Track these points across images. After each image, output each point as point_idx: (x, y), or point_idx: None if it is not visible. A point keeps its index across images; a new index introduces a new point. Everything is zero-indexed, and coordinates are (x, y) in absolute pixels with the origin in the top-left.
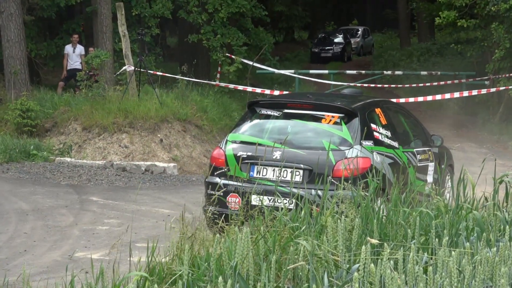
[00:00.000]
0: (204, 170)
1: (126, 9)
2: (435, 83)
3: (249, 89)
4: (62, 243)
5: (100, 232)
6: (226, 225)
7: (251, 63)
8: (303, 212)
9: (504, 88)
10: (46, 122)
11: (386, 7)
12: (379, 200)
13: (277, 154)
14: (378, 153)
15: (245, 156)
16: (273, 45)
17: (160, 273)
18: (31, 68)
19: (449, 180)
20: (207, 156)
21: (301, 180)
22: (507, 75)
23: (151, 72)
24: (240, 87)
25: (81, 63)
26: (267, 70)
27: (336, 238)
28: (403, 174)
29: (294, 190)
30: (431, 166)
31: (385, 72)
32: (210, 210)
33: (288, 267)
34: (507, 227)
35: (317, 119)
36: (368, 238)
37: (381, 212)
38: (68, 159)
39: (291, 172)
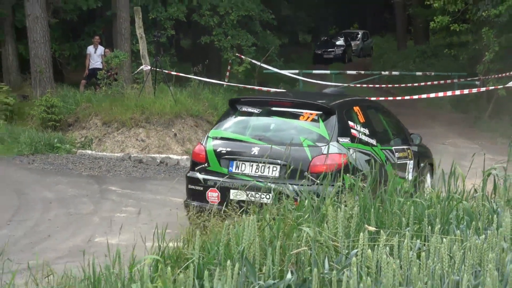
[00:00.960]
0: None
1: (143, 13)
2: (429, 83)
3: (256, 87)
4: (83, 229)
5: (118, 219)
6: (206, 220)
7: (258, 63)
8: (306, 202)
9: (493, 88)
10: (69, 117)
11: (384, 12)
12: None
13: (255, 150)
14: (355, 150)
15: (225, 152)
16: (279, 47)
17: (172, 257)
18: (55, 67)
19: (429, 178)
20: None
21: (278, 175)
22: (496, 76)
23: (166, 71)
24: (249, 86)
25: (101, 62)
26: (273, 70)
27: (336, 226)
28: (380, 171)
29: (272, 185)
30: (410, 163)
31: (383, 72)
32: (191, 204)
33: (291, 252)
34: (495, 216)
35: (296, 116)
36: (366, 225)
37: (377, 202)
38: (89, 152)
39: (269, 167)
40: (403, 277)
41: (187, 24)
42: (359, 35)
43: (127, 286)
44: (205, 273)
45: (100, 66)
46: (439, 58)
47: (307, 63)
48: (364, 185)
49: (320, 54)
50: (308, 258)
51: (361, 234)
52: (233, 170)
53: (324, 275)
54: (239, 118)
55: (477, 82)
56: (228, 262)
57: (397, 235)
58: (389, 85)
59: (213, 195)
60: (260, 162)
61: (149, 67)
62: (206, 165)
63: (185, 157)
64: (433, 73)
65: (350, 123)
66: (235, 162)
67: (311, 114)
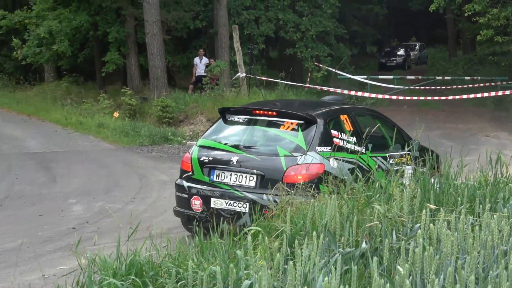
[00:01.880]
0: None
1: (239, 30)
2: (476, 85)
3: (332, 89)
4: None
5: None
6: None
7: (333, 70)
8: (377, 184)
9: None
10: (180, 115)
11: (437, 27)
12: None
13: (234, 160)
14: (336, 159)
15: (207, 160)
16: (350, 56)
17: (266, 228)
18: (169, 75)
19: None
20: None
21: (254, 185)
22: None
23: (258, 77)
24: (325, 88)
25: (205, 71)
26: (346, 75)
27: (401, 204)
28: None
29: (248, 194)
30: (408, 169)
31: (437, 77)
32: (179, 211)
33: (365, 226)
34: None
35: (277, 125)
36: (428, 204)
37: (435, 185)
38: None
39: (246, 177)
40: (460, 247)
41: (275, 39)
42: (417, 46)
43: (231, 251)
44: (296, 242)
45: (204, 74)
46: (484, 65)
47: (373, 70)
48: (425, 170)
49: (384, 62)
50: (379, 230)
51: (423, 211)
52: (214, 179)
53: (393, 245)
54: (226, 127)
55: None
56: (314, 233)
57: (453, 212)
58: (442, 87)
59: (196, 203)
60: (238, 172)
61: (244, 74)
62: (191, 173)
63: None
64: (479, 78)
65: (334, 132)
66: (215, 171)
67: (291, 123)
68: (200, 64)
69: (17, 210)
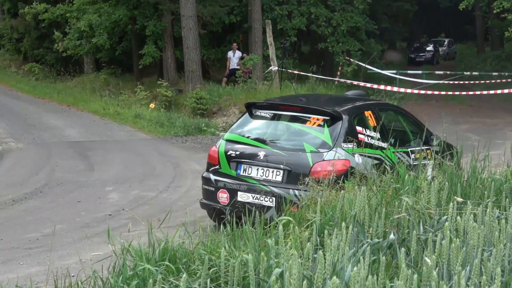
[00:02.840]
0: None
1: (272, 25)
2: (504, 80)
3: (362, 84)
4: None
5: None
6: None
7: (363, 65)
8: (406, 176)
9: None
10: (213, 107)
11: (466, 23)
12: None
13: (261, 155)
14: (361, 154)
15: (234, 155)
16: (380, 51)
17: (296, 219)
18: (203, 68)
19: None
20: None
21: (281, 180)
22: None
23: (290, 71)
24: (355, 82)
25: (239, 64)
26: (376, 70)
27: (429, 196)
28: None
29: (274, 189)
30: (429, 164)
31: (465, 73)
32: (205, 203)
33: (393, 217)
34: None
35: (303, 121)
36: (455, 197)
37: (462, 178)
38: None
39: (272, 172)
40: (486, 240)
41: (307, 33)
42: (445, 42)
43: (262, 240)
44: (325, 232)
45: (238, 67)
46: None
47: (403, 65)
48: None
49: (414, 57)
50: (407, 222)
51: (450, 204)
52: (241, 173)
53: (420, 236)
54: (252, 122)
55: None
56: (343, 223)
57: (480, 205)
58: (470, 82)
59: (223, 196)
60: (264, 167)
61: (277, 68)
62: (218, 167)
63: None
64: (506, 74)
65: (358, 128)
66: (243, 165)
67: (317, 119)
68: (234, 58)
69: (56, 197)
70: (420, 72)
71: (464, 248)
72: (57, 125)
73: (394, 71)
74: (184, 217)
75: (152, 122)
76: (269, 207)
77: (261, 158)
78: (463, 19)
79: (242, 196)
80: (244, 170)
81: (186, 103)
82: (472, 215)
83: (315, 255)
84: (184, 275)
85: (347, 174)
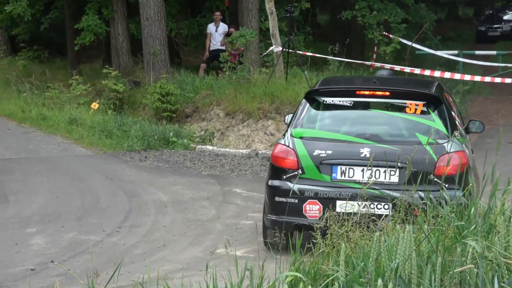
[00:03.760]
0: None
1: None
2: None
3: (407, 69)
4: (203, 238)
5: (244, 227)
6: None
7: (410, 43)
8: (472, 210)
9: None
10: (187, 107)
11: None
12: None
13: (365, 151)
14: (466, 145)
15: (324, 155)
16: (435, 22)
17: (310, 273)
18: (171, 49)
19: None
20: None
21: (398, 181)
22: None
23: (300, 52)
24: (397, 67)
25: (224, 43)
26: (428, 51)
27: (507, 239)
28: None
29: (390, 192)
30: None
31: None
32: (280, 220)
33: (454, 270)
34: None
35: (399, 108)
36: None
37: None
38: (210, 147)
39: (385, 172)
40: None
41: None
42: None
43: None
44: None
45: (223, 47)
46: None
47: (469, 42)
48: None
49: (484, 31)
50: (475, 277)
51: None
52: (338, 177)
53: None
54: (326, 112)
55: None
56: (380, 281)
57: None
58: None
59: (313, 208)
60: (374, 166)
61: (281, 48)
62: (299, 172)
63: None
64: None
65: (452, 113)
66: (339, 167)
67: (417, 104)
68: (217, 34)
69: None
70: (494, 52)
71: None
72: None
73: (456, 52)
74: (143, 271)
75: (95, 130)
76: (381, 215)
77: (366, 156)
78: None
79: (343, 206)
80: (342, 173)
81: (146, 101)
82: None
83: None
84: None
85: (468, 169)
